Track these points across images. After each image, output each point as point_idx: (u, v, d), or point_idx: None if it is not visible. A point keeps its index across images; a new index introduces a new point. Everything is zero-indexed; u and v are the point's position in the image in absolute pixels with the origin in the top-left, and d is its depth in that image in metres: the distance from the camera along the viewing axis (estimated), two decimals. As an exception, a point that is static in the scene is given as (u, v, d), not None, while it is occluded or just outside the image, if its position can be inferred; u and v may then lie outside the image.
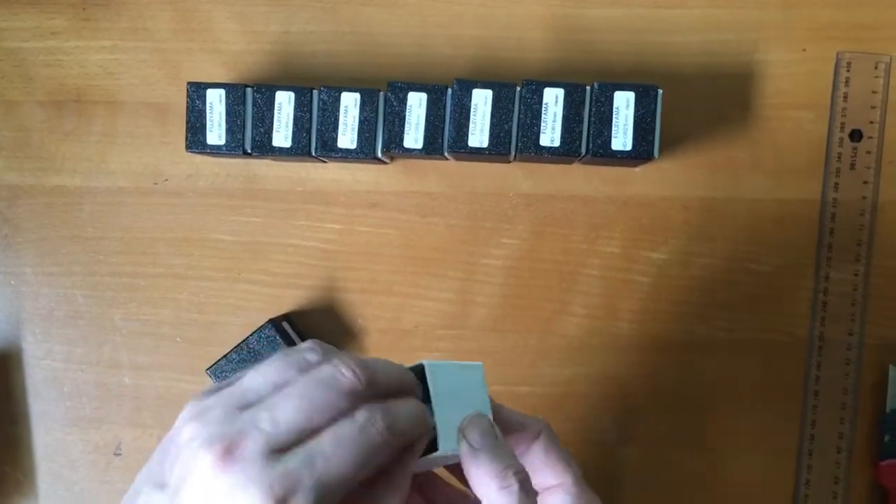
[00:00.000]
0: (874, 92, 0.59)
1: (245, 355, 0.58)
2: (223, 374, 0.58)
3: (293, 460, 0.31)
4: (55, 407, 0.63)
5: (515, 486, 0.36)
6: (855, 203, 0.60)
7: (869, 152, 0.60)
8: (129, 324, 0.63)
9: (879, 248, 0.60)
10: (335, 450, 0.32)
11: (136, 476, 0.35)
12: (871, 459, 0.60)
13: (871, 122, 0.59)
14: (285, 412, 0.32)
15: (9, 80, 0.62)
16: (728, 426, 0.61)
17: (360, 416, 0.33)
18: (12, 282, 0.63)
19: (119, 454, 0.63)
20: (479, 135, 0.54)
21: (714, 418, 0.61)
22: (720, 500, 0.61)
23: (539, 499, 0.40)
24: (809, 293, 0.60)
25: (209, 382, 0.58)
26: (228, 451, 0.30)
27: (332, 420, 0.33)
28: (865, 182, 0.60)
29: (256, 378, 0.34)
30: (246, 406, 0.33)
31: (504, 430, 0.39)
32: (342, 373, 0.34)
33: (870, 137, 0.60)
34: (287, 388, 0.33)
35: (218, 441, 0.31)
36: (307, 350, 0.35)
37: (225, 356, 0.58)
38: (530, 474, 0.38)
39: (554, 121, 0.54)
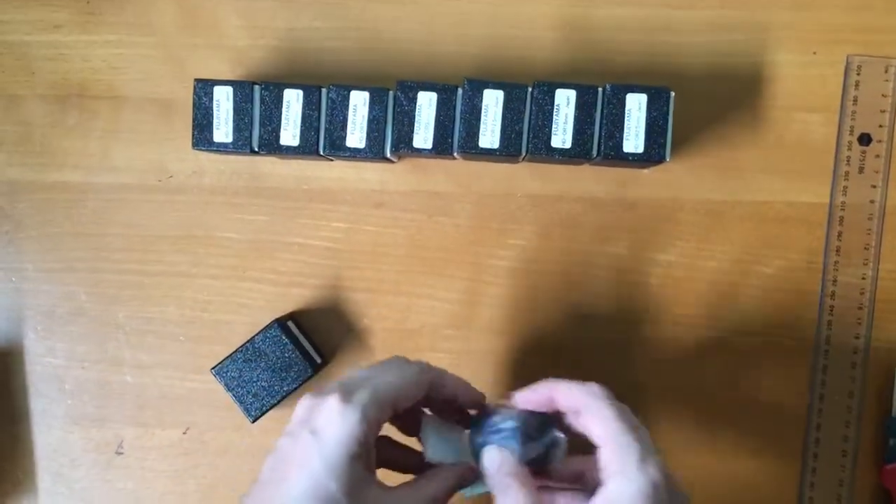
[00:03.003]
0: (884, 96, 0.59)
1: (251, 355, 0.58)
2: (228, 374, 0.57)
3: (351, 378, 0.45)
4: (56, 405, 0.62)
5: (502, 494, 0.44)
6: (863, 207, 0.60)
7: (878, 156, 0.59)
8: (132, 322, 0.62)
9: (887, 253, 0.60)
10: (382, 371, 0.46)
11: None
12: (876, 463, 0.60)
13: (881, 126, 0.59)
14: (380, 383, 0.44)
15: (11, 74, 0.62)
16: (733, 428, 0.61)
17: (394, 358, 0.49)
18: (13, 278, 0.62)
19: (121, 453, 0.62)
20: (489, 136, 0.54)
21: (720, 420, 0.61)
22: (725, 501, 0.61)
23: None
24: (816, 296, 0.60)
25: (213, 380, 0.58)
26: (346, 396, 0.43)
27: (414, 397, 0.46)
28: (874, 186, 0.60)
29: (350, 373, 0.47)
30: (352, 384, 0.45)
31: (562, 405, 0.47)
32: (416, 362, 0.48)
33: (879, 141, 0.59)
34: (378, 369, 0.47)
35: (338, 390, 0.43)
36: (387, 360, 0.48)
37: (230, 356, 0.58)
38: (588, 434, 0.45)
39: (565, 122, 0.54)
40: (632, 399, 0.60)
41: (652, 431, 0.60)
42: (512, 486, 0.44)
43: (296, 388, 0.58)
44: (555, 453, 0.47)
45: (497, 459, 0.46)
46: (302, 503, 0.40)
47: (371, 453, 0.43)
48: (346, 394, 0.43)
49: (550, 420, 0.48)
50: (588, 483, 0.47)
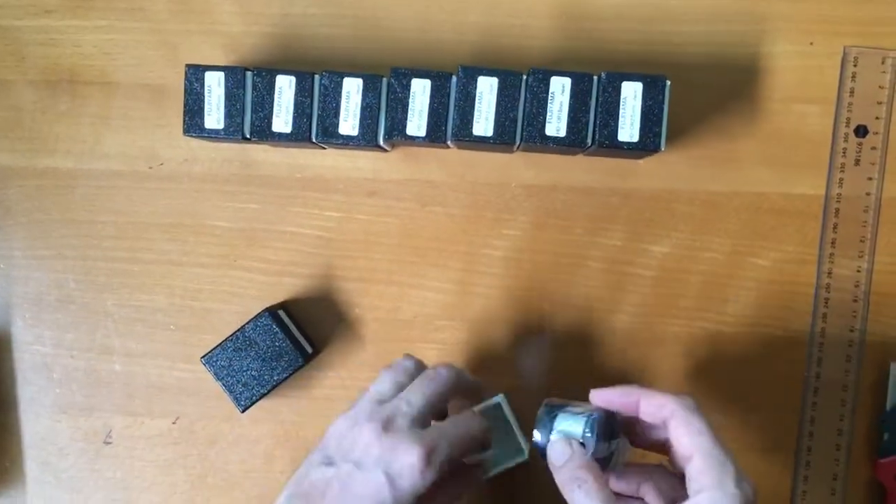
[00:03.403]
0: (881, 87, 0.59)
1: (241, 344, 0.57)
2: (218, 363, 0.57)
3: (430, 430, 0.47)
4: (44, 393, 0.62)
5: (576, 490, 0.45)
6: (859, 199, 0.59)
7: (874, 148, 0.59)
8: (122, 310, 0.61)
9: (883, 245, 0.60)
10: (454, 428, 0.48)
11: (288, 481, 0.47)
12: (871, 457, 0.60)
13: (877, 118, 0.59)
14: (415, 399, 0.48)
15: (1, 59, 0.61)
16: (727, 421, 0.60)
17: (469, 414, 0.51)
18: (2, 265, 0.62)
19: (109, 442, 0.62)
20: (483, 123, 0.54)
21: (713, 412, 0.60)
22: (718, 495, 0.60)
23: (686, 466, 0.45)
24: (811, 289, 0.60)
25: (203, 370, 0.57)
26: (387, 424, 0.46)
27: (444, 400, 0.50)
28: (870, 178, 0.59)
29: (382, 385, 0.50)
30: (384, 401, 0.49)
31: (644, 412, 0.47)
32: (441, 372, 0.51)
33: (875, 133, 0.59)
34: (410, 386, 0.49)
35: (377, 419, 0.46)
36: (404, 361, 0.52)
37: (220, 344, 0.57)
38: (673, 447, 0.46)
39: (560, 110, 0.53)
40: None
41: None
42: (587, 480, 0.44)
43: (286, 378, 0.57)
44: (617, 458, 0.48)
45: (566, 452, 0.46)
46: None
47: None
48: (430, 451, 0.45)
49: (618, 423, 0.48)
50: (645, 494, 0.48)
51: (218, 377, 0.57)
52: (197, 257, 0.61)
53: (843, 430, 0.60)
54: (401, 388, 0.50)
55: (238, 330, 0.57)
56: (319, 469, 0.46)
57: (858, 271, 0.59)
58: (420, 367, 0.53)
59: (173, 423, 0.62)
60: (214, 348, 0.57)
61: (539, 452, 0.49)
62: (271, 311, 0.58)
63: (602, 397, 0.48)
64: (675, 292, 0.60)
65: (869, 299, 0.60)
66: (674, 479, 0.48)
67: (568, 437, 0.47)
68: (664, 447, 0.48)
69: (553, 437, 0.48)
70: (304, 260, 0.61)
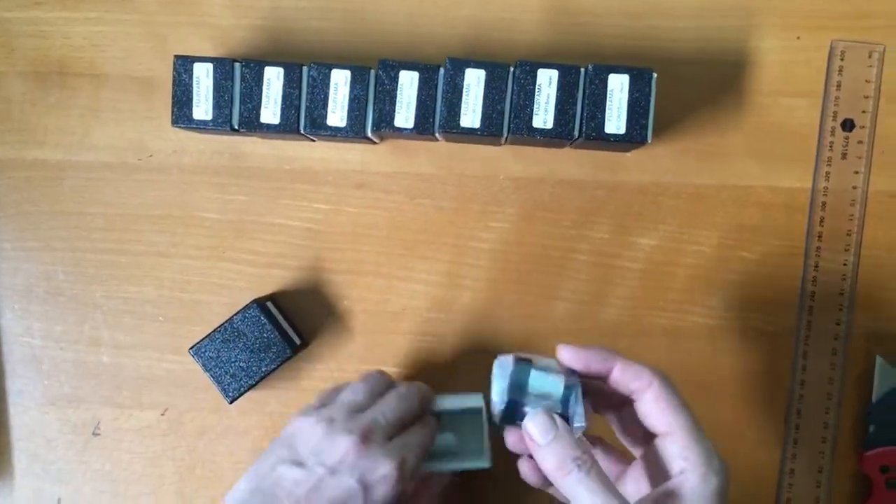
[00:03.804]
0: (867, 81, 0.59)
1: (229, 335, 0.57)
2: (206, 355, 0.57)
3: (400, 442, 0.49)
4: (33, 385, 0.62)
5: (574, 473, 0.41)
6: (845, 193, 0.60)
7: (860, 142, 0.59)
8: (111, 301, 0.61)
9: (869, 239, 0.60)
10: (419, 439, 0.50)
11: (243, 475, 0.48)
12: (856, 449, 0.60)
13: (864, 112, 0.59)
14: (391, 414, 0.50)
15: (-10, 50, 0.61)
16: (713, 414, 0.60)
17: (428, 421, 0.52)
18: (-9, 256, 0.62)
19: (98, 434, 0.62)
20: (471, 115, 0.54)
21: (699, 405, 0.60)
22: (704, 488, 0.61)
23: (657, 441, 0.44)
24: (798, 282, 0.60)
25: (192, 361, 0.57)
26: (365, 437, 0.47)
27: (413, 417, 0.51)
28: (856, 172, 0.60)
29: (355, 395, 0.52)
30: (358, 411, 0.50)
31: (616, 379, 0.45)
32: (412, 390, 0.52)
33: (862, 127, 0.59)
34: (384, 399, 0.51)
35: (356, 431, 0.47)
36: (377, 375, 0.54)
37: (208, 336, 0.57)
38: (644, 419, 0.44)
39: (547, 102, 0.54)
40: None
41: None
42: (587, 462, 0.42)
43: (274, 369, 0.57)
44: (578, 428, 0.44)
45: (550, 428, 0.43)
46: None
47: None
48: (402, 463, 0.47)
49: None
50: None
51: (206, 368, 0.57)
52: (186, 249, 0.61)
53: (828, 423, 0.60)
54: (374, 399, 0.51)
55: (226, 321, 0.57)
56: (288, 468, 0.47)
57: (845, 265, 0.60)
58: (390, 383, 0.55)
59: (162, 414, 0.62)
60: (202, 339, 0.57)
61: (497, 412, 0.45)
62: (260, 303, 0.58)
63: (575, 357, 0.44)
64: (663, 285, 0.60)
65: (855, 292, 0.60)
66: (613, 454, 0.49)
67: (546, 407, 0.43)
68: (618, 417, 0.47)
69: (527, 405, 0.44)
70: (293, 252, 0.61)
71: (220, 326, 0.57)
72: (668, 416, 0.43)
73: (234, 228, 0.61)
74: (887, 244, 0.60)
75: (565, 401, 0.43)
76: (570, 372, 0.44)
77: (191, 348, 0.57)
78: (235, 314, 0.57)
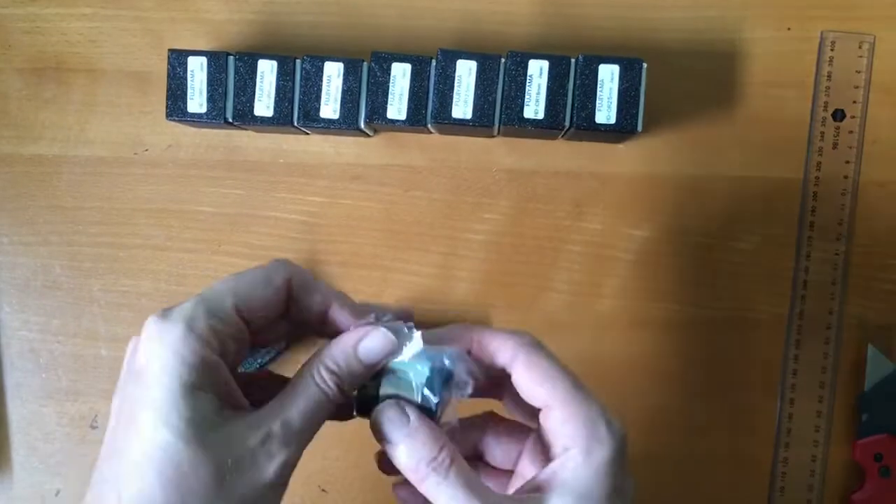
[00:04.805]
0: (857, 71, 0.60)
1: (224, 326, 0.57)
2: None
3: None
4: (31, 378, 0.62)
5: (432, 477, 0.36)
6: (837, 182, 0.60)
7: (851, 132, 0.60)
8: (108, 295, 0.62)
9: (860, 228, 0.60)
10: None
11: None
12: (849, 438, 0.61)
13: (854, 102, 0.60)
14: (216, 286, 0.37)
15: (-13, 47, 0.62)
16: (707, 403, 0.61)
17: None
18: (-12, 251, 0.62)
19: (96, 427, 0.62)
20: (462, 106, 0.54)
21: (693, 395, 0.61)
22: (696, 476, 0.61)
23: (540, 417, 0.39)
24: (790, 271, 0.60)
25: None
26: (164, 313, 0.35)
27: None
28: (847, 162, 0.60)
29: None
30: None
31: (478, 357, 0.39)
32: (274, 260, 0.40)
33: (852, 117, 0.60)
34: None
35: (158, 312, 0.35)
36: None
37: (204, 327, 0.58)
38: (521, 394, 0.39)
39: (538, 93, 0.54)
40: (603, 374, 0.61)
41: (622, 407, 0.60)
42: (444, 463, 0.36)
43: (267, 362, 0.58)
44: (446, 410, 0.39)
45: (401, 421, 0.37)
46: (142, 472, 0.33)
47: (222, 377, 0.35)
48: (164, 312, 0.35)
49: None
50: (485, 451, 0.43)
51: (202, 360, 0.57)
52: (182, 242, 0.62)
53: (821, 412, 0.60)
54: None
55: (221, 313, 0.58)
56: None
57: (836, 254, 0.60)
58: (253, 269, 0.40)
59: (158, 407, 0.62)
60: (198, 331, 0.58)
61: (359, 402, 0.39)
62: (255, 295, 0.58)
63: (430, 341, 0.39)
64: (656, 276, 0.61)
65: (847, 282, 0.60)
66: (513, 426, 0.43)
67: (398, 397, 0.38)
68: (504, 396, 0.42)
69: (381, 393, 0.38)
70: (289, 245, 0.61)
71: (215, 318, 0.58)
72: (541, 386, 0.38)
73: (229, 222, 0.61)
74: (878, 233, 0.60)
75: (429, 384, 0.38)
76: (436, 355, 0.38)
77: (187, 340, 0.58)
78: (231, 306, 0.58)
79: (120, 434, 0.34)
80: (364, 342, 0.38)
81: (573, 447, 0.37)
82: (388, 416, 0.37)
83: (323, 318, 0.39)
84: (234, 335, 0.36)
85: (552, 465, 0.37)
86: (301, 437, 0.36)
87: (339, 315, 0.39)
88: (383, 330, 0.38)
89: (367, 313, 0.39)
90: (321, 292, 0.39)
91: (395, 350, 0.38)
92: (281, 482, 0.35)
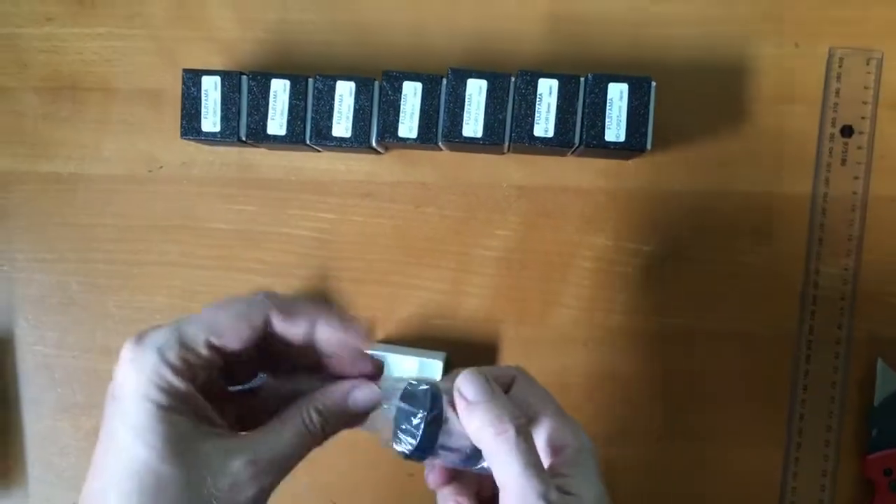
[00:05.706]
0: (865, 87, 0.60)
1: (237, 342, 0.58)
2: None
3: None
4: (47, 393, 0.63)
5: (512, 432, 0.37)
6: (845, 198, 0.60)
7: (860, 148, 0.60)
8: (123, 311, 0.63)
9: (869, 244, 0.60)
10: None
11: None
12: (859, 453, 0.61)
13: (863, 118, 0.60)
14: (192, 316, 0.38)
15: (3, 67, 0.62)
16: (717, 418, 0.61)
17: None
18: (5, 267, 0.63)
19: (110, 441, 0.63)
20: (473, 124, 0.55)
21: (703, 410, 0.61)
22: (707, 491, 0.61)
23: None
24: (799, 287, 0.61)
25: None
26: (138, 339, 0.36)
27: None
28: (856, 177, 0.60)
29: None
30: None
31: None
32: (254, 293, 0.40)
33: (861, 133, 0.60)
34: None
35: (133, 338, 0.36)
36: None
37: (217, 343, 0.58)
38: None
39: (548, 111, 0.54)
40: (612, 388, 0.61)
41: (632, 421, 0.61)
42: (518, 423, 0.37)
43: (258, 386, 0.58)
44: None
45: (485, 386, 0.39)
46: (123, 489, 0.34)
47: (195, 402, 0.36)
48: (139, 337, 0.36)
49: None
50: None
51: (215, 376, 0.58)
52: (196, 259, 0.62)
53: (831, 427, 0.60)
54: None
55: (235, 329, 0.58)
56: None
57: (846, 269, 0.60)
58: (231, 300, 0.40)
59: (172, 421, 0.63)
60: (212, 347, 0.58)
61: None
62: (267, 311, 0.59)
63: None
64: (665, 291, 0.61)
65: (856, 297, 0.60)
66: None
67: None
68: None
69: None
70: (301, 261, 0.62)
71: (228, 334, 0.58)
72: (535, 407, 0.41)
73: (242, 238, 0.62)
74: (888, 249, 0.60)
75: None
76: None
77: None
78: (244, 322, 0.58)
79: (101, 452, 0.36)
80: (354, 393, 0.39)
81: (569, 447, 0.40)
82: (471, 378, 0.39)
83: (306, 348, 0.40)
84: (205, 366, 0.37)
85: (557, 460, 0.40)
86: (282, 467, 0.37)
87: (324, 331, 0.39)
88: (373, 385, 0.40)
89: (353, 322, 0.40)
90: (306, 315, 0.39)
91: (382, 401, 0.40)
92: None
